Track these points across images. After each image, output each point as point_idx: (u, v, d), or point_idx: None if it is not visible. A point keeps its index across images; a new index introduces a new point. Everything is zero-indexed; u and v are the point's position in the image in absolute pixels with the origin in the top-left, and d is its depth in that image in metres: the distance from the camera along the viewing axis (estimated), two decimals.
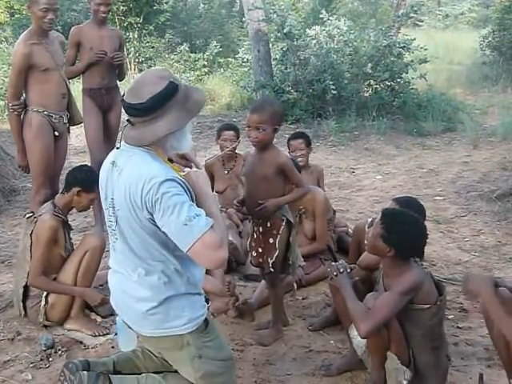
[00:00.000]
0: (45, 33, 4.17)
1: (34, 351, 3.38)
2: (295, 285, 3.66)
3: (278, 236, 3.31)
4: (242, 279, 4.29)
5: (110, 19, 10.08)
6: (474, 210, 5.70)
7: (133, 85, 2.33)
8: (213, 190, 4.73)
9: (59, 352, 3.36)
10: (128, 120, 2.33)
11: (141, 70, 12.59)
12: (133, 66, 13.04)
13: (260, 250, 3.39)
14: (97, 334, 3.53)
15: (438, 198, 6.15)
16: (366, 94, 10.29)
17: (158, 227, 2.25)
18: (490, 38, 14.97)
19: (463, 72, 14.42)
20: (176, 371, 2.56)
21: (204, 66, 13.90)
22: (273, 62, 11.12)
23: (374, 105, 9.78)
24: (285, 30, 9.91)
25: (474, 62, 15.37)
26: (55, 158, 4.35)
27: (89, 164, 4.45)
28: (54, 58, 4.21)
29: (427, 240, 2.81)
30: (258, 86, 10.58)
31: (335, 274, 2.88)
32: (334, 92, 9.53)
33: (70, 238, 3.78)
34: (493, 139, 8.53)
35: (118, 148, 2.41)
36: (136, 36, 13.89)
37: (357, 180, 7.03)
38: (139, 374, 2.64)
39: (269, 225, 3.32)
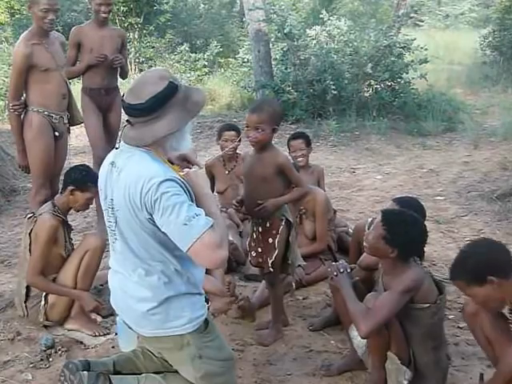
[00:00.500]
0: (45, 33, 4.17)
1: (34, 351, 3.38)
2: (294, 284, 3.66)
3: (278, 236, 3.31)
4: (243, 279, 4.28)
5: (111, 19, 10.17)
6: (475, 210, 5.70)
7: (133, 85, 2.33)
8: (213, 191, 4.74)
9: (59, 352, 3.36)
10: (128, 120, 2.33)
11: (141, 70, 12.60)
12: (133, 66, 13.03)
13: (259, 249, 3.39)
14: (97, 333, 3.53)
15: (438, 197, 6.15)
16: (366, 94, 10.28)
17: (158, 227, 2.25)
18: (490, 38, 14.96)
19: (463, 72, 14.42)
20: (176, 371, 2.55)
21: (204, 66, 13.92)
22: (273, 62, 11.11)
23: (374, 105, 9.78)
24: (285, 30, 9.92)
25: (475, 62, 15.36)
26: (55, 159, 4.35)
27: (89, 164, 4.45)
28: (54, 59, 4.21)
29: (427, 240, 2.81)
30: (258, 86, 10.59)
31: (335, 274, 2.88)
32: (335, 92, 9.52)
33: (71, 239, 3.79)
34: (493, 139, 8.53)
35: (117, 148, 2.41)
36: (136, 36, 13.90)
37: (357, 180, 7.02)
38: (139, 374, 2.64)
39: (268, 225, 3.32)
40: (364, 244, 2.87)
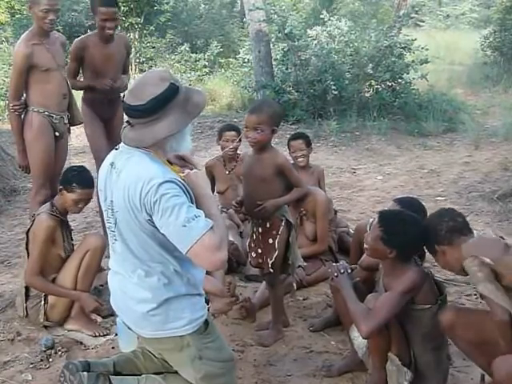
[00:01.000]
0: (46, 33, 4.16)
1: (34, 352, 3.38)
2: (294, 285, 3.65)
3: (278, 236, 3.30)
4: (243, 280, 4.28)
5: None
6: (476, 211, 5.69)
7: (133, 86, 2.33)
8: (214, 191, 4.73)
9: (59, 352, 3.36)
10: (128, 121, 2.32)
11: (142, 71, 12.62)
12: (134, 67, 13.03)
13: (259, 250, 3.39)
14: (97, 334, 3.53)
15: (439, 198, 6.14)
16: (366, 95, 10.29)
17: (157, 229, 2.24)
18: (491, 39, 14.96)
19: (464, 72, 14.41)
20: (176, 372, 2.55)
21: (205, 66, 13.92)
22: (273, 63, 11.11)
23: (374, 105, 9.78)
24: (285, 31, 9.93)
25: (475, 63, 15.36)
26: (56, 159, 4.34)
27: (89, 164, 4.43)
28: (54, 59, 4.20)
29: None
30: (258, 87, 10.60)
31: (336, 274, 2.88)
32: (335, 92, 9.53)
33: (72, 239, 3.79)
34: (494, 139, 8.53)
35: (116, 149, 2.40)
36: (137, 36, 13.90)
37: (358, 180, 7.02)
38: (139, 374, 2.64)
39: (268, 225, 3.32)
40: (364, 245, 2.87)
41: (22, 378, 3.14)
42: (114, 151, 2.44)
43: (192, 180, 2.38)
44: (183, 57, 13.89)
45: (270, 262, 3.34)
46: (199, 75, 13.38)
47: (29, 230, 3.63)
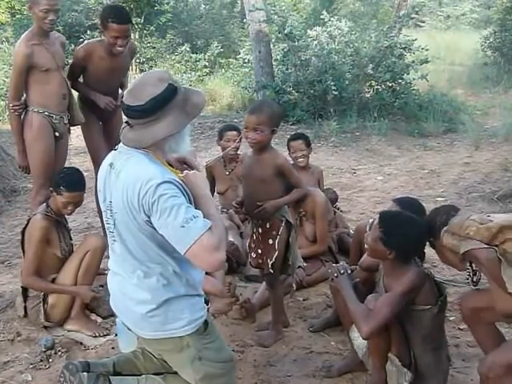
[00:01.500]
0: (46, 33, 4.15)
1: (34, 352, 3.38)
2: (294, 285, 3.65)
3: (278, 237, 3.30)
4: (243, 280, 4.28)
5: None
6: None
7: (132, 86, 2.33)
8: (214, 192, 4.73)
9: (59, 353, 3.36)
10: (126, 122, 2.32)
11: (142, 71, 12.60)
12: (134, 67, 13.02)
13: (259, 251, 3.39)
14: (97, 334, 3.53)
15: (439, 198, 6.14)
16: (367, 95, 10.29)
17: (156, 229, 2.24)
18: (491, 39, 14.96)
19: (464, 73, 14.41)
20: (176, 372, 2.55)
21: (205, 66, 13.92)
22: (274, 63, 11.11)
23: (375, 105, 9.78)
24: (286, 31, 9.93)
25: (476, 63, 15.36)
26: (56, 159, 4.33)
27: (89, 165, 4.42)
28: (54, 59, 4.19)
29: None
30: (259, 87, 10.60)
31: (336, 275, 2.88)
32: (335, 93, 9.53)
33: (70, 238, 3.79)
34: (494, 140, 8.52)
35: (115, 150, 2.40)
36: (137, 36, 13.88)
37: (358, 181, 7.02)
38: (139, 375, 2.64)
39: (268, 226, 3.32)
40: (364, 245, 2.88)
41: (22, 379, 3.15)
42: (113, 152, 2.44)
43: (191, 180, 2.37)
44: (183, 57, 13.89)
45: (270, 263, 3.34)
46: (199, 75, 13.38)
47: (24, 229, 3.64)
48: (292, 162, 4.46)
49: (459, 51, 16.64)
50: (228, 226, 4.46)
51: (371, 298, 2.78)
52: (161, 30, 14.82)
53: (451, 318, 3.61)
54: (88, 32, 13.45)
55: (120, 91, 4.60)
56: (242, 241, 4.48)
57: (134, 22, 13.52)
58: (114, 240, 2.40)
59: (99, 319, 3.71)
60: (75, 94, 4.54)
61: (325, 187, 5.05)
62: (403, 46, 10.05)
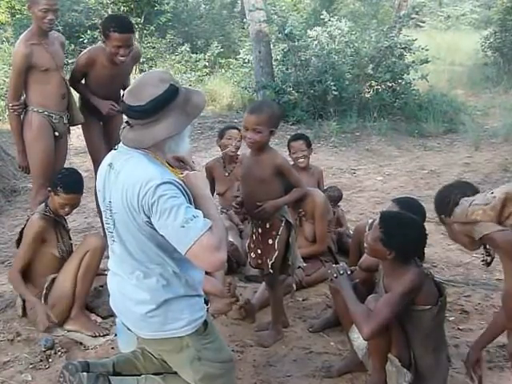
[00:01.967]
0: (45, 33, 4.15)
1: (34, 352, 3.38)
2: (294, 285, 3.65)
3: (278, 237, 3.30)
4: (243, 280, 4.28)
5: None
6: None
7: (133, 86, 2.32)
8: (214, 192, 4.73)
9: (59, 353, 3.36)
10: (127, 122, 2.32)
11: (142, 71, 12.58)
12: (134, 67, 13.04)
13: (259, 251, 3.38)
14: (96, 334, 3.53)
15: None
16: (367, 95, 10.29)
17: (156, 230, 2.24)
18: (491, 39, 14.95)
19: (465, 73, 14.42)
20: (176, 373, 2.55)
21: (205, 66, 13.91)
22: (274, 63, 11.11)
23: (375, 106, 9.78)
24: (286, 31, 9.93)
25: (476, 63, 15.36)
26: (55, 159, 4.33)
27: (89, 165, 4.41)
28: (54, 59, 4.19)
29: (428, 241, 2.81)
30: (259, 87, 10.60)
31: (335, 275, 2.88)
32: (335, 93, 9.53)
33: (70, 238, 3.79)
34: (494, 140, 8.53)
35: (115, 149, 2.40)
36: (137, 36, 13.89)
37: (358, 181, 7.02)
38: (139, 375, 2.64)
39: (268, 226, 3.32)
40: (364, 245, 2.87)
41: (22, 379, 3.14)
42: (112, 152, 2.44)
43: (191, 181, 2.37)
44: (183, 57, 13.88)
45: (270, 263, 3.34)
46: (199, 75, 13.37)
47: (23, 229, 3.65)
48: (292, 163, 4.46)
49: (459, 51, 16.65)
50: (228, 226, 4.46)
51: (371, 299, 2.78)
52: (161, 30, 14.81)
53: (451, 318, 3.62)
54: (88, 32, 13.44)
55: (122, 92, 4.58)
56: (241, 241, 4.48)
57: (133, 22, 13.55)
58: (114, 240, 2.40)
59: (99, 319, 3.71)
60: (75, 94, 4.54)
61: (326, 186, 5.05)
62: (403, 46, 10.05)
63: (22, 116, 4.25)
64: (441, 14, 26.04)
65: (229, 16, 18.55)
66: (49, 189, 3.59)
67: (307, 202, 4.12)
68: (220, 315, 3.67)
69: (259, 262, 3.41)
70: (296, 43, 10.06)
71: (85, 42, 13.10)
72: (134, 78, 3.16)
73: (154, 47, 14.01)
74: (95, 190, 2.58)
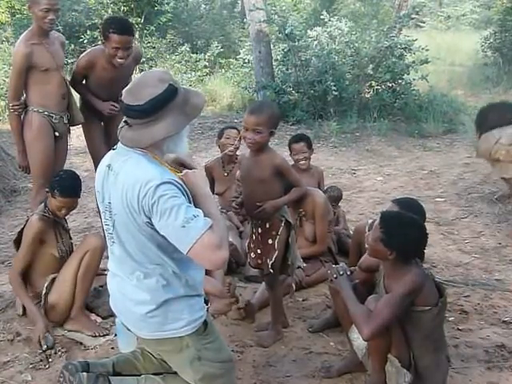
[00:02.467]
0: (45, 33, 4.15)
1: (34, 352, 3.38)
2: (293, 286, 3.66)
3: (277, 237, 3.30)
4: (243, 280, 4.28)
5: None
6: (475, 212, 5.70)
7: (132, 85, 2.32)
8: (213, 192, 4.73)
9: (59, 353, 3.36)
10: (125, 121, 2.31)
11: (142, 71, 12.57)
12: None
13: (259, 251, 3.39)
14: (96, 334, 3.53)
15: (438, 199, 6.14)
16: (367, 95, 10.30)
17: (157, 231, 2.24)
18: (491, 40, 14.96)
19: (465, 73, 14.42)
20: (175, 373, 2.55)
21: (205, 66, 13.91)
22: (274, 63, 11.12)
23: (375, 106, 9.79)
24: (286, 31, 9.92)
25: (476, 64, 15.36)
26: (56, 159, 4.34)
27: (89, 165, 4.41)
28: (54, 59, 4.19)
29: (428, 241, 2.81)
30: (259, 87, 10.60)
31: (335, 276, 2.88)
32: (335, 93, 9.53)
33: (70, 238, 3.79)
34: None
35: (114, 149, 2.40)
36: (137, 36, 13.89)
37: (358, 181, 7.02)
38: (139, 375, 2.64)
39: (268, 226, 3.32)
40: (365, 245, 2.87)
41: (22, 379, 3.14)
42: (111, 152, 2.44)
43: (190, 179, 2.38)
44: (184, 57, 13.88)
45: (270, 263, 3.34)
46: (199, 76, 13.37)
47: (22, 229, 3.65)
48: (292, 163, 4.46)
49: (459, 52, 16.65)
50: (228, 226, 4.46)
51: (372, 299, 2.78)
52: (161, 30, 14.81)
53: (450, 319, 3.62)
54: (88, 32, 13.45)
55: None
56: (241, 241, 4.48)
57: (134, 22, 13.56)
58: (113, 242, 2.40)
59: (99, 319, 3.71)
60: (76, 94, 4.54)
61: (326, 186, 5.05)
62: (403, 46, 10.05)
63: (22, 116, 4.25)
64: (441, 15, 26.05)
65: (229, 16, 18.56)
66: (46, 190, 3.59)
67: (308, 202, 4.12)
68: (220, 315, 3.67)
69: (259, 262, 3.41)
70: (296, 43, 10.06)
71: (85, 42, 13.12)
72: (134, 78, 3.16)
73: (154, 47, 14.01)
74: (94, 190, 2.57)
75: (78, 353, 3.39)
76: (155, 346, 2.54)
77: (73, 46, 13.07)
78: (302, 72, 10.14)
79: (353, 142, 8.90)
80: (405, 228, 2.70)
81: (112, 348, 3.39)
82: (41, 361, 3.29)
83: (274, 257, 3.33)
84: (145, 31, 13.99)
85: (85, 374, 2.54)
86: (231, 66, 14.14)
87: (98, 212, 4.44)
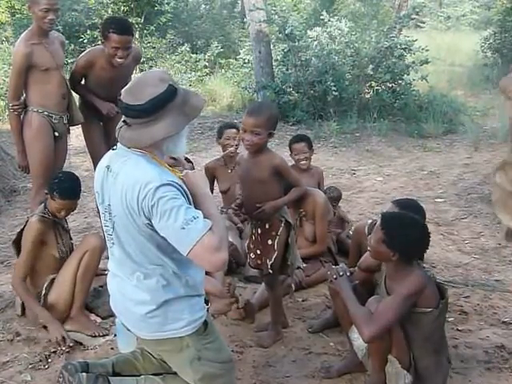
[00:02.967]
0: (45, 33, 4.15)
1: (34, 352, 3.38)
2: (293, 286, 3.66)
3: (277, 237, 3.30)
4: (243, 280, 4.28)
5: None
6: (475, 213, 5.70)
7: (131, 85, 2.31)
8: (213, 192, 4.72)
9: (58, 353, 3.36)
10: (124, 121, 2.30)
11: (141, 71, 12.59)
12: None
13: (259, 251, 3.38)
14: (96, 334, 3.52)
15: (438, 200, 6.14)
16: (367, 96, 10.30)
17: (156, 231, 2.24)
18: (491, 40, 14.98)
19: (464, 74, 14.43)
20: (175, 373, 2.55)
21: (205, 66, 13.91)
22: (274, 63, 11.12)
23: (375, 106, 9.79)
24: (286, 31, 9.93)
25: (476, 64, 15.37)
26: (55, 159, 4.34)
27: (89, 165, 4.40)
28: (54, 58, 4.19)
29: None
30: (259, 87, 10.60)
31: (335, 277, 2.87)
32: (335, 93, 9.53)
33: (70, 238, 3.79)
34: (494, 141, 8.53)
35: (113, 149, 2.39)
36: (137, 36, 13.89)
37: (357, 182, 7.02)
38: (138, 375, 2.64)
39: (267, 226, 3.31)
40: (368, 248, 2.87)
41: (21, 379, 3.14)
42: (110, 152, 2.43)
43: (190, 180, 2.38)
44: (183, 57, 13.88)
45: (270, 263, 3.33)
46: (199, 76, 13.37)
47: (22, 229, 3.64)
48: (292, 164, 4.46)
49: (459, 52, 16.66)
50: (228, 226, 4.46)
51: (373, 300, 2.77)
52: (161, 29, 14.80)
53: (450, 319, 3.61)
54: (88, 32, 13.44)
55: None
56: (241, 241, 4.48)
57: (134, 22, 13.55)
58: (113, 243, 2.40)
59: (99, 319, 3.71)
60: (75, 94, 4.54)
61: (326, 187, 5.05)
62: (403, 46, 10.05)
63: (21, 116, 4.25)
64: (441, 15, 26.09)
65: (229, 16, 18.54)
66: (46, 192, 3.58)
67: (308, 202, 4.12)
68: (220, 315, 3.67)
69: (259, 262, 3.41)
70: (296, 43, 10.06)
71: (85, 41, 13.11)
72: (133, 77, 3.15)
73: (154, 47, 14.01)
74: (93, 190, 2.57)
75: (78, 353, 3.38)
76: (155, 347, 2.54)
77: (73, 45, 13.05)
78: (301, 72, 10.14)
79: (353, 143, 8.90)
80: (406, 228, 2.70)
81: (112, 348, 3.38)
82: (40, 361, 3.28)
83: (274, 257, 3.32)
84: (145, 31, 13.99)
85: (84, 374, 2.54)
86: (231, 66, 14.14)
87: (98, 212, 4.45)
